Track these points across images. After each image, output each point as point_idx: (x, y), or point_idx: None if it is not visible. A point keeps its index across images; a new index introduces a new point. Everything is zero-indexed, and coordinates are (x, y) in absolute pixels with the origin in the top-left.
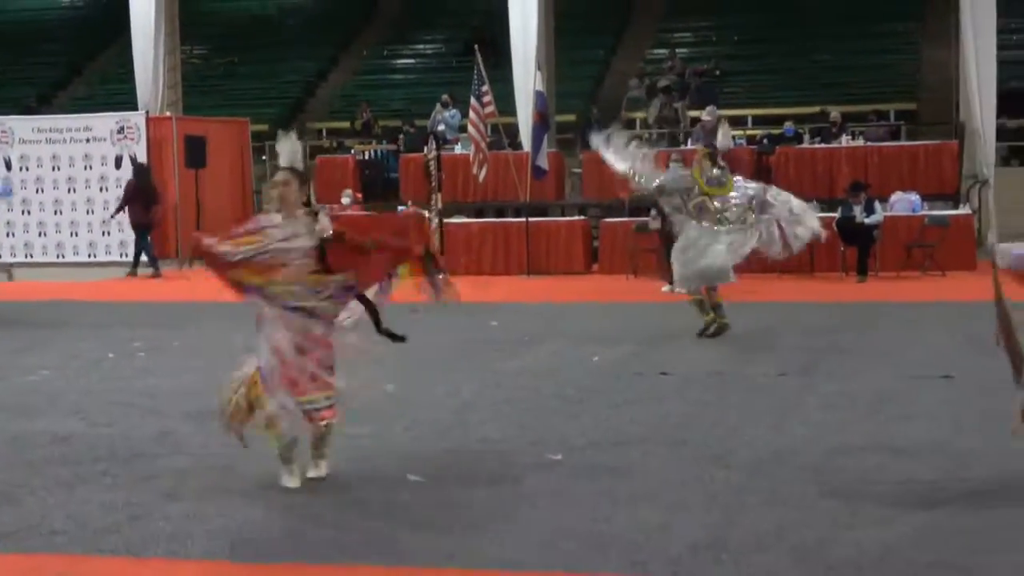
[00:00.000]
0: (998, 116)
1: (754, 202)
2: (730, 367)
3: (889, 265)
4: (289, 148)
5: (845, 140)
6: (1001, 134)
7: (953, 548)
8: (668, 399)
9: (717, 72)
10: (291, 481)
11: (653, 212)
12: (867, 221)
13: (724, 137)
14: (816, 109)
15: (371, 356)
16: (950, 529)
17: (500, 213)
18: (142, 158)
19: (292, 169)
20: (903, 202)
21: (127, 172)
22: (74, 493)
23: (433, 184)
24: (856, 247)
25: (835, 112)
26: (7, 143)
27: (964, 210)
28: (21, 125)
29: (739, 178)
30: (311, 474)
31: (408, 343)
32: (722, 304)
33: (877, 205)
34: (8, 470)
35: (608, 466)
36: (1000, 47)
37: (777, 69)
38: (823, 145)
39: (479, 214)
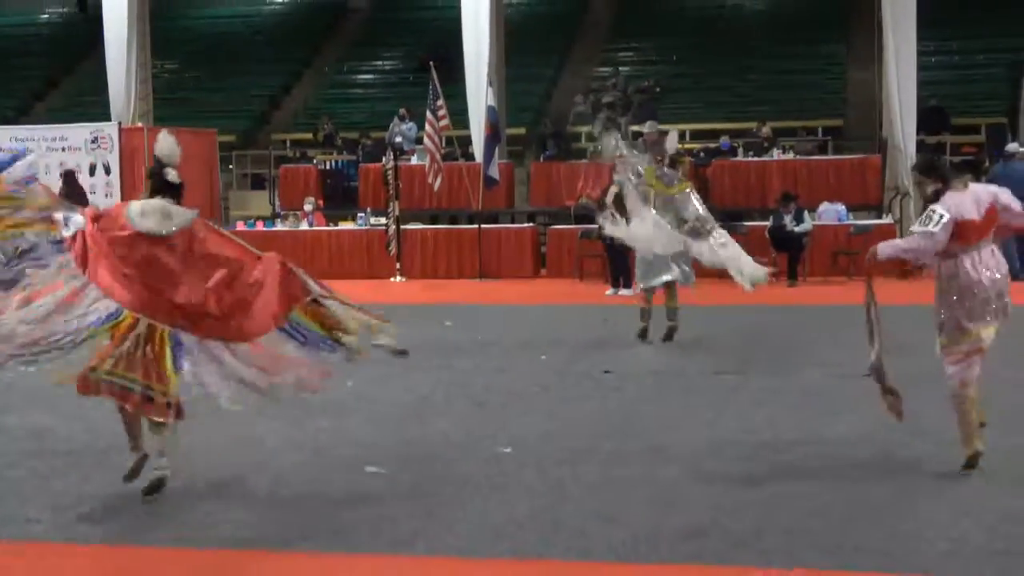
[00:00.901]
0: (918, 132)
1: (689, 224)
2: (669, 366)
3: (817, 271)
4: (161, 146)
5: (776, 154)
6: (921, 149)
7: (878, 534)
8: (611, 396)
9: (657, 89)
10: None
11: (607, 214)
12: (797, 229)
13: (671, 142)
14: (750, 125)
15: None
16: (875, 516)
17: (454, 220)
18: (115, 167)
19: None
20: (830, 212)
21: (100, 179)
22: (50, 484)
23: (391, 192)
24: (786, 254)
25: (767, 128)
26: None
27: (887, 220)
28: None
29: (695, 196)
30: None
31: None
32: (678, 309)
33: (806, 215)
34: None
35: (555, 459)
36: (920, 68)
37: (713, 87)
38: (756, 158)
39: (434, 221)
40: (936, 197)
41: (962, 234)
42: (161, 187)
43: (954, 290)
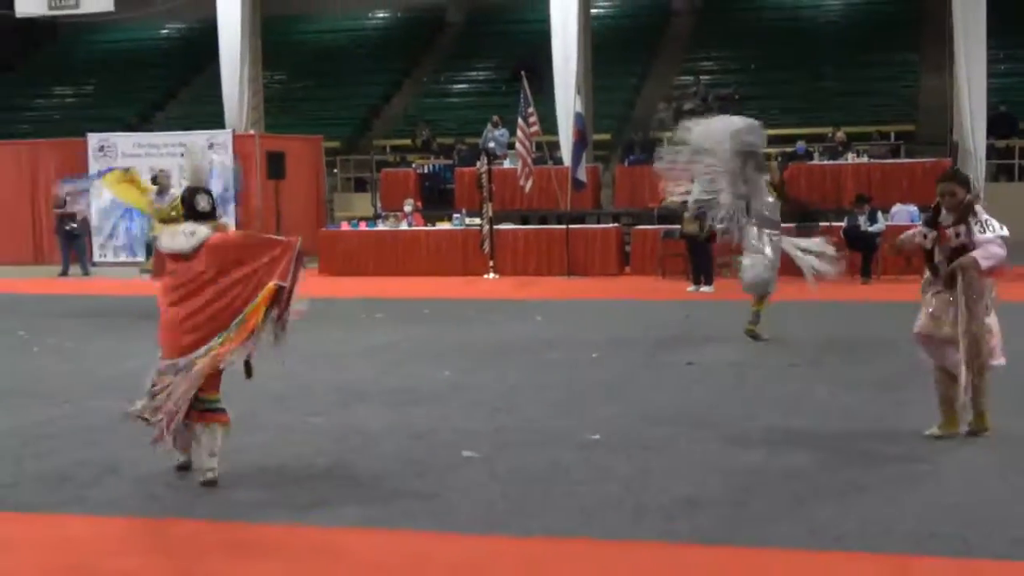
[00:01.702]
0: (988, 136)
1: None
2: (748, 358)
3: (890, 269)
4: (190, 168)
5: (851, 157)
6: (990, 152)
7: (951, 522)
8: (693, 386)
9: (736, 96)
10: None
11: (689, 216)
12: (871, 229)
13: None
14: (825, 130)
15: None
16: (948, 504)
17: (543, 220)
18: None
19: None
20: (902, 213)
21: (215, 182)
22: (169, 464)
23: (484, 195)
24: (860, 252)
25: (841, 132)
26: (111, 156)
27: None
28: (123, 141)
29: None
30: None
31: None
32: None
33: (879, 215)
34: (112, 444)
35: (641, 445)
36: (989, 75)
37: (790, 94)
38: (831, 162)
39: (525, 221)
40: (970, 207)
41: None
42: (192, 214)
43: (986, 290)
